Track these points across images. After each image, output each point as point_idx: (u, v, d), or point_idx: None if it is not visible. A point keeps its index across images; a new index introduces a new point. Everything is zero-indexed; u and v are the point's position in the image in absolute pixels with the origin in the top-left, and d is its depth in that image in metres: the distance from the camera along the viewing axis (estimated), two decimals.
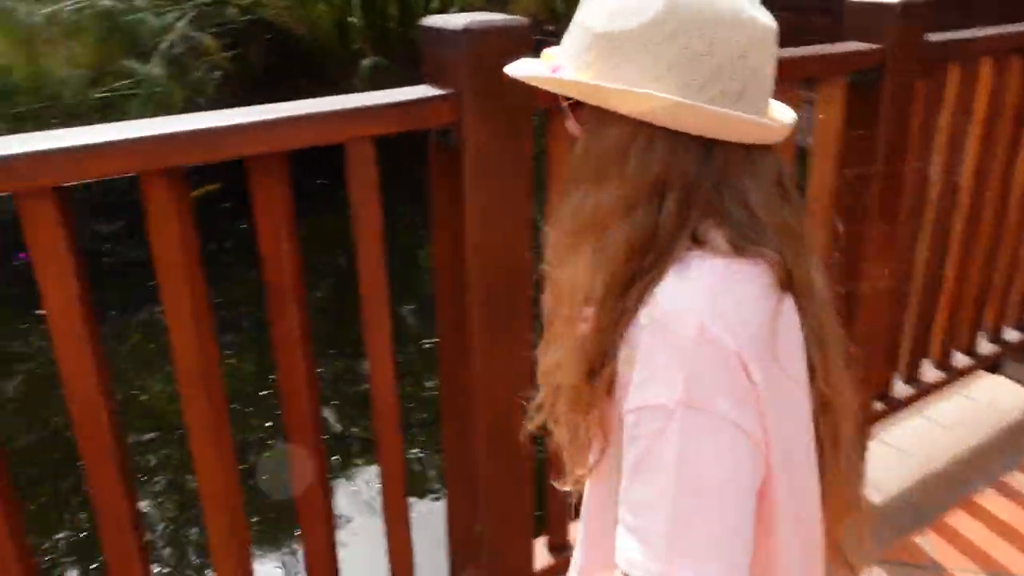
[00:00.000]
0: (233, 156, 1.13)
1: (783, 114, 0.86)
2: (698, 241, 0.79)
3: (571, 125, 0.88)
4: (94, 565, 2.78)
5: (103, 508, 1.20)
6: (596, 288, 0.81)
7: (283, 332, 1.27)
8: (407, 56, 7.16)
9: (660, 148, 0.78)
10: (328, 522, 1.42)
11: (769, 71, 0.81)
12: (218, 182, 5.12)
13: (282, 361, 1.29)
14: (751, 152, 0.80)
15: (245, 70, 6.57)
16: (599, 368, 0.81)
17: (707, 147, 0.79)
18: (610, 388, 0.80)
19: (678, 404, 0.72)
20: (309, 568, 1.43)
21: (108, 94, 5.84)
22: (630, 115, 0.78)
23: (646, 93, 0.76)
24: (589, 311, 0.83)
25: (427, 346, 3.87)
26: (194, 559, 2.87)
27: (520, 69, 0.87)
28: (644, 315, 0.76)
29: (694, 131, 0.78)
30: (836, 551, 0.95)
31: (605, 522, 0.86)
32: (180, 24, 5.92)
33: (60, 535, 2.92)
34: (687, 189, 0.78)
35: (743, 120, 0.78)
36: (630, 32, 0.77)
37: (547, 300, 0.90)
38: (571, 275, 0.84)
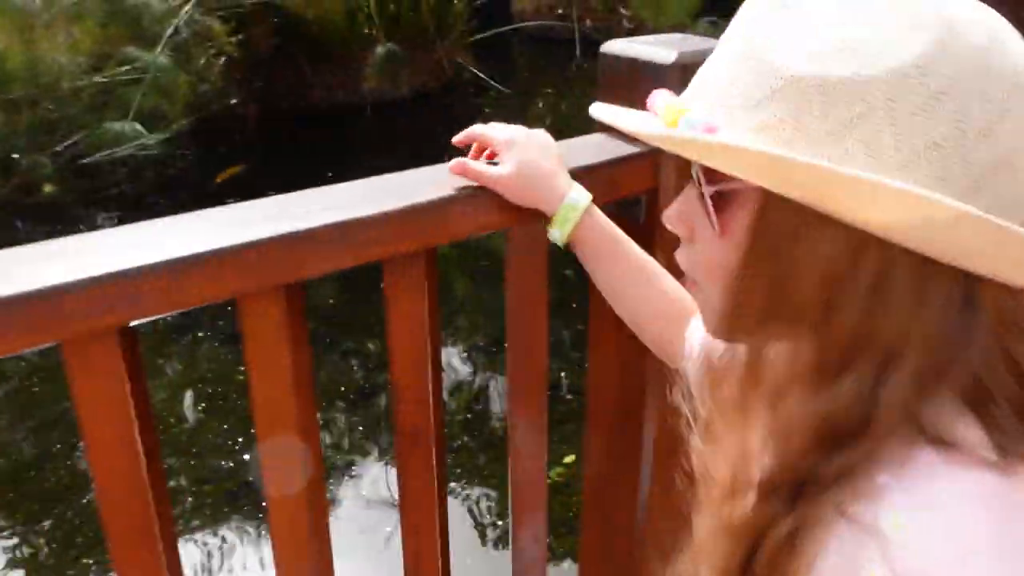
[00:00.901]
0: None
1: None
2: (934, 437, 0.49)
3: (695, 224, 0.56)
4: None
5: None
6: (757, 475, 0.54)
7: None
8: (418, 43, 6.87)
9: (900, 284, 0.48)
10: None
11: None
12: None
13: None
14: (1020, 299, 0.49)
15: (250, 55, 6.25)
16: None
17: (969, 287, 0.48)
18: None
19: None
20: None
21: (109, 80, 5.51)
22: (856, 223, 0.47)
23: (916, 192, 0.44)
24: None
25: None
26: None
27: (646, 125, 0.54)
28: (869, 563, 0.46)
29: (960, 260, 0.47)
30: None
31: None
32: (186, 8, 5.59)
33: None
34: (933, 354, 0.49)
35: None
36: (868, 83, 0.46)
37: (698, 462, 0.62)
38: (733, 443, 0.56)
